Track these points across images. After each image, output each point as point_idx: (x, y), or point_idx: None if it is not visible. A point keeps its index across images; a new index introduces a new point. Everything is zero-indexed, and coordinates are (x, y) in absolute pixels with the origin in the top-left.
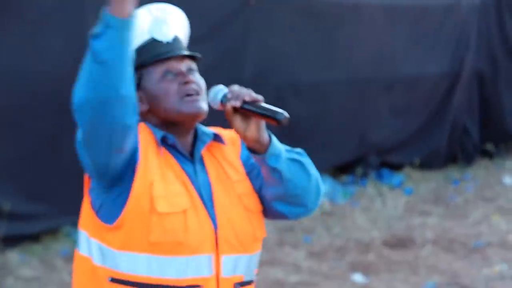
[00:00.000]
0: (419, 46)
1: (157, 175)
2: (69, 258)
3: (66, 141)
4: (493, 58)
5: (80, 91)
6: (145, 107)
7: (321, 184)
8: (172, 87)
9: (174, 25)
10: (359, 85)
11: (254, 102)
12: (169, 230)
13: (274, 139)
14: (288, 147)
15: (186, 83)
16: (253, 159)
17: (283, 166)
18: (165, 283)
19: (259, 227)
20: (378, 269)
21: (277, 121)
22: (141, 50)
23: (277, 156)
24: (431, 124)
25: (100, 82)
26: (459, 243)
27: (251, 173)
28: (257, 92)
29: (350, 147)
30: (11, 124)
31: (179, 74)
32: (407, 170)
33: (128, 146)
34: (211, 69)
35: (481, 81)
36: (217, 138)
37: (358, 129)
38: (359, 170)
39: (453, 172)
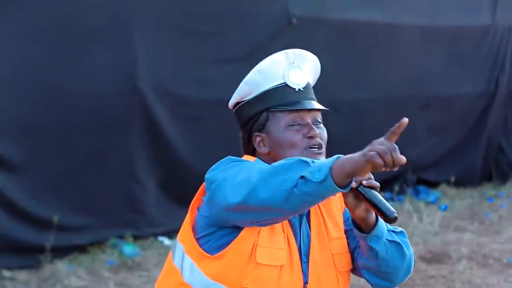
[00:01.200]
0: (455, 66)
1: None
2: (115, 268)
3: (110, 156)
4: None
5: (263, 190)
6: (265, 150)
7: (412, 264)
8: (297, 139)
9: (307, 72)
10: (395, 103)
11: (369, 188)
12: (262, 280)
13: (380, 221)
14: (391, 227)
15: (311, 137)
16: (356, 234)
17: (382, 247)
18: None
19: (344, 287)
20: (414, 283)
21: (386, 218)
22: (272, 93)
23: (378, 238)
24: (467, 143)
25: (284, 202)
26: (493, 258)
27: (350, 231)
28: None
29: None
30: (59, 140)
31: (306, 125)
32: (443, 187)
33: None
34: None
35: None
36: None
37: None
38: (396, 187)
39: (488, 189)
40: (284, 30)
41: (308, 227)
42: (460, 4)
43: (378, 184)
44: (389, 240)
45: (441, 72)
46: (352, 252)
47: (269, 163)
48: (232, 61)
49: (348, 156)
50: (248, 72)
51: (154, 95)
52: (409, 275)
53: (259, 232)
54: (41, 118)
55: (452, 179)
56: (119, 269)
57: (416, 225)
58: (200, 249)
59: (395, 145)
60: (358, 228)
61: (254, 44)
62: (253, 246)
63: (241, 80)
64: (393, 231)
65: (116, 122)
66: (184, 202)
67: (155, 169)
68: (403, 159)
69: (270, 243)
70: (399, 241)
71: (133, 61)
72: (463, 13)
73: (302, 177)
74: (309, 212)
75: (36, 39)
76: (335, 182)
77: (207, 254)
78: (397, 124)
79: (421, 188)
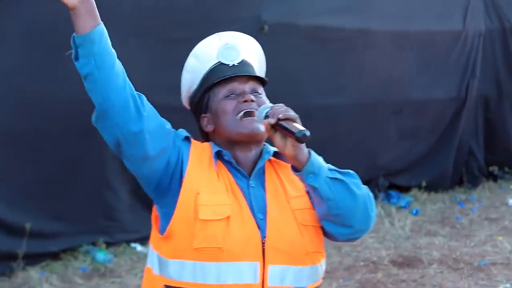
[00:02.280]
0: (427, 72)
1: (205, 186)
2: (87, 275)
3: (84, 164)
4: (498, 83)
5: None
6: (210, 128)
7: (370, 205)
8: (231, 105)
9: (242, 50)
10: (368, 108)
11: (286, 120)
12: (210, 236)
13: (314, 157)
14: (334, 167)
15: (245, 101)
16: (297, 177)
17: (322, 185)
18: None
19: (311, 241)
20: (386, 287)
21: (296, 138)
22: (209, 74)
23: (315, 174)
24: (438, 148)
25: (93, 96)
26: (464, 262)
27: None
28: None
29: (359, 169)
30: (33, 147)
31: (241, 93)
32: (414, 191)
33: (152, 154)
34: None
35: (486, 106)
36: (279, 156)
37: (367, 152)
38: None
39: (459, 193)
40: (257, 37)
41: (262, 190)
42: (431, 10)
43: (294, 115)
44: (330, 178)
45: (413, 78)
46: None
47: (217, 141)
48: None
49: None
50: None
51: None
52: (370, 220)
53: (197, 193)
54: (14, 125)
55: (424, 183)
56: (92, 276)
57: (388, 230)
58: (158, 234)
59: None
60: (295, 170)
61: None
62: (195, 208)
63: None
64: (338, 171)
65: (90, 130)
66: None
67: (128, 176)
68: None
69: (212, 201)
70: (343, 178)
71: None
72: (434, 19)
73: (75, 65)
74: (264, 176)
75: (11, 48)
76: (79, 33)
77: (161, 236)
78: None
79: (393, 193)
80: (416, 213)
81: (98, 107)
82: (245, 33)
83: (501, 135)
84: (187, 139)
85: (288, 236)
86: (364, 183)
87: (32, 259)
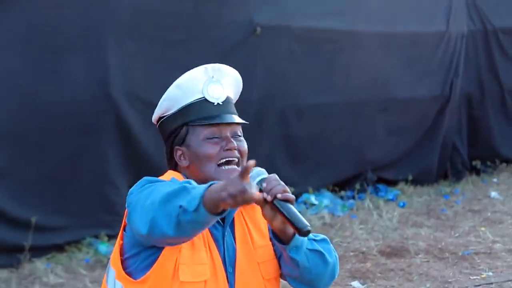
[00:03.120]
0: (412, 71)
1: (186, 242)
2: (90, 266)
3: (85, 160)
4: (480, 82)
5: (161, 221)
6: (185, 163)
7: (336, 269)
8: (213, 151)
9: (227, 86)
10: (356, 106)
11: (284, 201)
12: None
13: None
14: (312, 236)
15: (229, 149)
16: (276, 244)
17: (302, 257)
18: None
19: None
20: (374, 276)
21: (299, 232)
22: (192, 107)
23: (298, 248)
24: (423, 143)
25: (178, 230)
26: (449, 252)
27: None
28: (262, 112)
29: (348, 165)
30: (37, 146)
31: (223, 138)
32: (401, 185)
33: None
34: None
35: (469, 103)
36: None
37: (356, 148)
38: (357, 186)
39: (444, 187)
40: (249, 39)
41: (232, 238)
42: (416, 12)
43: (292, 197)
44: (309, 249)
45: (399, 77)
46: (279, 258)
47: (189, 177)
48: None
49: (215, 185)
50: None
51: (126, 101)
52: (334, 279)
53: (180, 250)
54: (19, 125)
55: (410, 177)
56: (95, 267)
57: (376, 221)
58: (125, 275)
59: (245, 186)
60: (277, 239)
61: (221, 52)
62: (175, 265)
63: None
64: (314, 240)
65: (90, 128)
66: None
67: (128, 172)
68: (252, 196)
69: (192, 260)
70: (321, 249)
71: (106, 70)
72: (419, 21)
73: (180, 207)
74: (233, 222)
75: (14, 50)
76: (207, 210)
77: (132, 279)
78: (245, 166)
79: (381, 186)
80: (403, 206)
81: (170, 234)
82: (238, 35)
83: (483, 131)
84: None
85: None
86: (353, 177)
87: (38, 251)
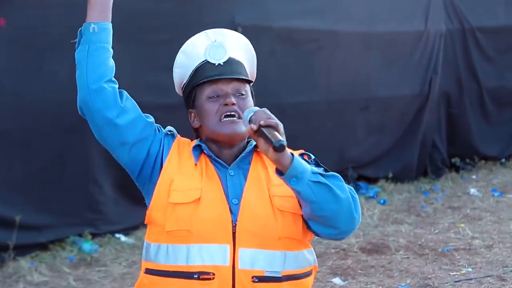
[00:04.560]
0: (392, 70)
1: (181, 174)
2: (74, 264)
3: (69, 160)
4: (458, 81)
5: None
6: (197, 124)
7: (355, 206)
8: (213, 108)
9: (230, 48)
10: (337, 105)
11: (268, 127)
12: (180, 219)
13: (297, 161)
14: (318, 170)
15: (226, 104)
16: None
17: (305, 188)
18: (178, 270)
19: (286, 227)
20: (355, 273)
21: (273, 147)
22: (197, 71)
23: (298, 178)
24: (403, 141)
25: (79, 82)
26: (429, 248)
27: None
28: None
29: (329, 162)
30: (21, 145)
31: (224, 95)
32: (381, 182)
33: (130, 141)
34: None
35: (448, 102)
36: None
37: (337, 146)
38: None
39: (424, 184)
40: None
41: (242, 178)
42: (395, 12)
43: (275, 122)
44: (313, 181)
45: (379, 76)
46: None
47: (203, 137)
48: None
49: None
50: None
51: None
52: (355, 222)
53: (171, 181)
54: (3, 124)
55: (390, 175)
56: (79, 265)
57: None
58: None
59: None
60: (279, 174)
61: None
62: (168, 193)
63: None
64: (322, 174)
65: (74, 128)
66: (139, 201)
67: (111, 171)
68: None
69: (184, 187)
70: (327, 182)
71: None
72: (398, 21)
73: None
74: (249, 168)
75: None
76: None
77: (146, 224)
78: None
79: (362, 184)
80: (384, 203)
81: (81, 93)
82: None
83: (462, 129)
84: (170, 134)
85: (260, 219)
86: None
87: (22, 249)
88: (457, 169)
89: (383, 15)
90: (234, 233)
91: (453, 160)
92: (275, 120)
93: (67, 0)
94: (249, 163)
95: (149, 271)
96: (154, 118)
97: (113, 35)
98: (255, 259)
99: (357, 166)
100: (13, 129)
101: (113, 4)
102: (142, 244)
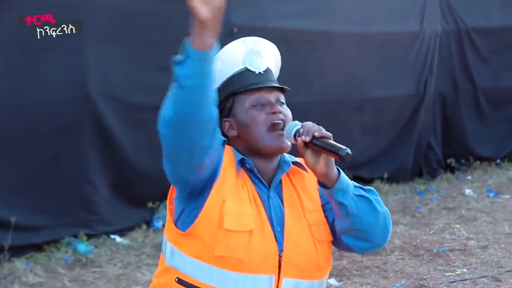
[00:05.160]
0: (387, 70)
1: (231, 194)
2: (69, 265)
3: (64, 160)
4: (454, 81)
5: (165, 110)
6: (234, 133)
7: (389, 221)
8: (260, 116)
9: (266, 57)
10: (332, 106)
11: (322, 138)
12: (233, 246)
13: (343, 175)
14: (358, 184)
15: (274, 113)
16: (323, 193)
17: (350, 202)
18: None
19: (324, 257)
20: (350, 273)
21: (339, 156)
22: (235, 78)
23: (344, 192)
24: (399, 141)
25: (182, 106)
26: (424, 249)
27: (327, 204)
28: None
29: None
30: (17, 145)
31: (268, 104)
32: (377, 183)
33: (206, 165)
34: None
35: (443, 102)
36: (300, 165)
37: None
38: None
39: (419, 184)
40: (226, 39)
41: (280, 202)
42: (391, 12)
43: (329, 134)
44: (356, 195)
45: (374, 76)
46: (331, 224)
47: (239, 147)
48: None
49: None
50: None
51: (104, 101)
52: (388, 235)
53: (224, 201)
54: None
55: (386, 175)
56: (74, 266)
57: None
58: (176, 229)
59: None
60: (324, 187)
61: None
62: (220, 215)
63: None
64: (362, 188)
65: (70, 128)
66: (134, 202)
67: (107, 172)
68: None
69: (237, 211)
70: (368, 196)
71: (85, 70)
72: (393, 21)
73: (174, 66)
74: (281, 189)
75: None
76: (196, 47)
77: (181, 232)
78: None
79: None
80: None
81: (177, 116)
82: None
83: (457, 130)
84: (223, 144)
85: (304, 251)
86: None
87: (17, 250)
88: (452, 169)
89: (378, 15)
90: (279, 263)
91: (448, 160)
92: (326, 132)
93: (63, 1)
94: (280, 182)
95: (183, 283)
96: (148, 119)
97: (106, 35)
98: None
99: (352, 166)
100: (8, 129)
101: (107, 4)
102: (137, 245)
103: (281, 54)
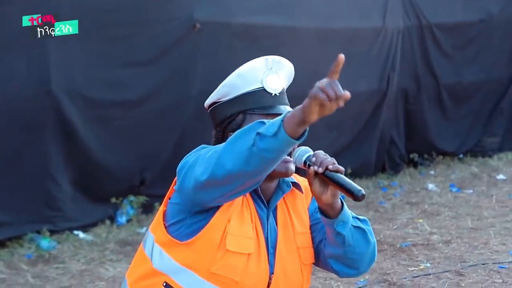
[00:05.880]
0: (350, 66)
1: (236, 213)
2: (32, 261)
3: (27, 157)
4: (416, 77)
5: (227, 158)
6: None
7: (376, 252)
8: None
9: (283, 78)
10: (296, 101)
11: (335, 172)
12: (231, 267)
13: (346, 207)
14: (354, 215)
15: None
16: (322, 220)
17: (348, 232)
18: None
19: (307, 279)
20: (314, 268)
21: (355, 197)
22: (250, 96)
23: (344, 223)
24: (362, 137)
25: (250, 165)
26: (388, 244)
27: (315, 225)
28: (203, 107)
29: None
30: None
31: None
32: None
33: None
34: (162, 88)
35: (406, 98)
36: (296, 187)
37: None
38: None
39: (382, 179)
40: (189, 35)
41: (274, 222)
42: (353, 8)
43: (343, 168)
44: (354, 226)
45: None
46: (316, 247)
47: None
48: (141, 64)
49: (297, 107)
50: (157, 72)
51: (67, 97)
52: (373, 262)
53: (229, 220)
54: None
55: (349, 171)
56: (37, 262)
57: None
58: (169, 236)
59: (336, 81)
60: (325, 215)
61: (161, 48)
62: (223, 234)
63: (149, 82)
64: (358, 219)
65: (32, 124)
66: (97, 198)
67: (70, 168)
68: (346, 93)
69: (240, 232)
70: (364, 227)
71: (47, 66)
72: (356, 17)
73: (257, 134)
74: (276, 208)
75: None
76: (287, 133)
77: (177, 241)
78: (335, 62)
79: None
80: (342, 198)
81: (237, 170)
82: (178, 31)
83: (420, 125)
84: None
85: (291, 276)
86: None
87: None
88: (415, 164)
89: (341, 11)
90: (268, 284)
91: (411, 155)
92: (339, 165)
93: None
94: (277, 200)
95: None
96: (111, 115)
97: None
98: None
99: None
100: None
101: None
102: (101, 241)
103: (245, 50)
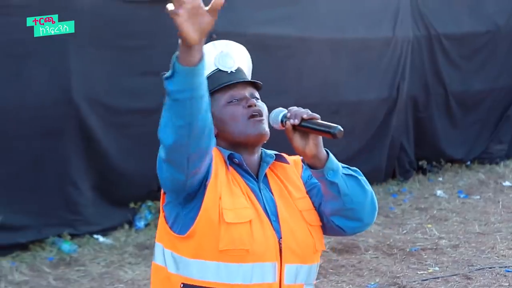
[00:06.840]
0: (361, 75)
1: (225, 190)
2: (54, 264)
3: (48, 162)
4: (425, 85)
5: (162, 122)
6: (215, 132)
7: (376, 200)
8: (237, 110)
9: (236, 58)
10: (308, 109)
11: (311, 120)
12: (237, 238)
13: (332, 155)
14: (344, 165)
15: (250, 106)
16: (313, 175)
17: (340, 181)
18: None
19: (318, 240)
20: (327, 272)
21: (332, 134)
22: (208, 80)
23: (334, 171)
24: (372, 144)
25: (177, 116)
26: (397, 248)
27: (311, 191)
28: None
29: None
30: (2, 148)
31: (243, 98)
32: None
33: (203, 168)
34: None
35: (415, 106)
36: (280, 158)
37: None
38: None
39: (392, 186)
40: (207, 44)
41: (270, 193)
42: (364, 18)
43: (318, 115)
44: (346, 174)
45: (348, 80)
46: (318, 208)
47: (222, 144)
48: (158, 73)
49: None
50: None
51: (87, 105)
52: (375, 214)
53: (220, 198)
54: None
55: None
56: (58, 265)
57: None
58: (173, 234)
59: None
60: (313, 168)
61: None
62: (219, 211)
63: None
64: (349, 168)
65: (53, 131)
66: (116, 202)
67: (90, 173)
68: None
69: (234, 205)
70: (356, 175)
71: (68, 75)
72: (367, 27)
73: (164, 82)
74: (267, 180)
75: None
76: (183, 64)
77: (181, 236)
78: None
79: None
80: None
81: (174, 126)
82: None
83: (429, 133)
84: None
85: (300, 237)
86: None
87: (3, 250)
88: (424, 171)
89: (352, 22)
90: (280, 250)
91: (420, 162)
92: (314, 113)
93: (43, 6)
94: (266, 175)
95: (190, 287)
96: (130, 122)
97: (89, 41)
98: (298, 274)
99: None
100: None
101: (90, 10)
102: (120, 245)
103: (258, 59)
